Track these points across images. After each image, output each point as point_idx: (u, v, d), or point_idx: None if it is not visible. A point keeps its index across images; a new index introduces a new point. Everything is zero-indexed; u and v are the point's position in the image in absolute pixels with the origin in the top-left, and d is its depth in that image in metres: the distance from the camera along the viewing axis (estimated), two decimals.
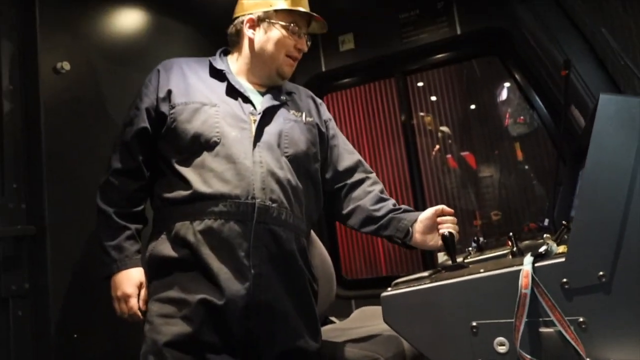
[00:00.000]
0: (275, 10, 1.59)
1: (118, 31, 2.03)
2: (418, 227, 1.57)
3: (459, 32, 2.62)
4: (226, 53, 1.72)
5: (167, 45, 2.26)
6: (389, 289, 1.31)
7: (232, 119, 1.51)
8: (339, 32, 2.86)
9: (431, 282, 1.26)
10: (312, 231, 1.85)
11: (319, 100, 1.83)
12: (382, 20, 2.77)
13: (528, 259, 1.12)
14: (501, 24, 2.53)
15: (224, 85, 1.58)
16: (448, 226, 1.53)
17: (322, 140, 1.71)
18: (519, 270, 1.10)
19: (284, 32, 1.58)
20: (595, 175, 1.07)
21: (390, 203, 1.68)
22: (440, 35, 2.66)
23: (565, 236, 1.31)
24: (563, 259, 1.09)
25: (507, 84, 3.58)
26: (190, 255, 1.41)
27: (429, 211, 1.57)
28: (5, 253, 1.52)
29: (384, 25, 2.78)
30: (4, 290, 1.50)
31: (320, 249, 2.18)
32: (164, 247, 1.45)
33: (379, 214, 1.64)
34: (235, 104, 1.55)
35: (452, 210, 1.57)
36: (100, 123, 1.84)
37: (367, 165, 1.80)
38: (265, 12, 1.59)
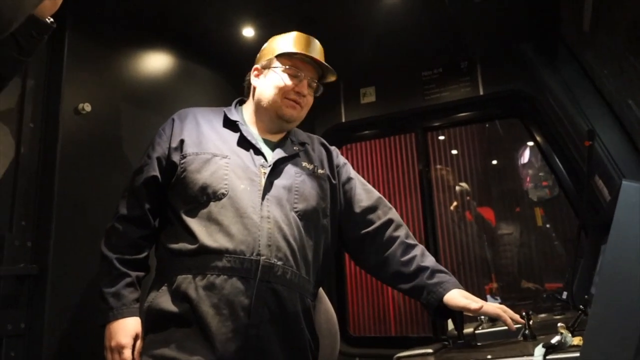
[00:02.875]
0: (277, 56, 1.60)
1: (142, 75, 2.07)
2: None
3: (481, 92, 2.60)
4: (242, 102, 1.74)
5: (190, 90, 2.30)
6: None
7: (242, 171, 1.49)
8: (361, 85, 2.88)
9: None
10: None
11: (331, 148, 1.80)
12: (404, 76, 2.78)
13: (539, 350, 1.05)
14: (525, 87, 2.50)
15: (236, 136, 1.57)
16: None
17: (333, 193, 1.67)
18: None
19: (282, 74, 1.58)
20: (615, 268, 1.01)
21: (418, 254, 1.61)
22: (463, 94, 2.65)
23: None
24: (577, 354, 1.01)
25: (530, 143, 3.53)
26: (189, 310, 1.37)
27: (460, 303, 1.44)
28: (6, 291, 1.51)
29: (406, 81, 2.79)
30: None
31: (326, 305, 2.11)
32: (163, 300, 1.40)
33: (409, 270, 1.57)
34: (246, 156, 1.53)
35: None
36: (116, 166, 1.85)
37: (386, 202, 1.73)
38: (269, 60, 1.62)
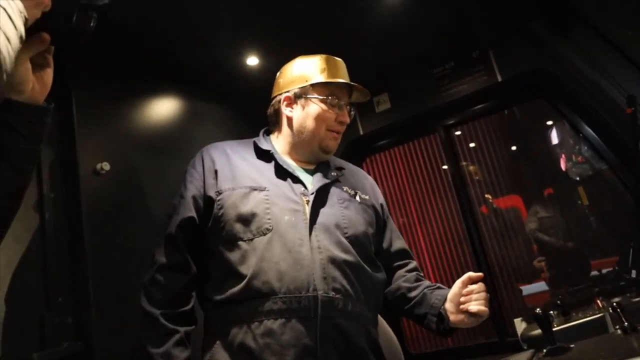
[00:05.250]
0: (312, 85, 1.50)
1: (153, 122, 2.00)
2: (449, 306, 1.37)
3: (499, 79, 2.50)
4: (268, 132, 1.64)
5: (203, 129, 2.23)
6: None
7: (284, 202, 1.38)
8: (374, 93, 2.79)
9: None
10: None
11: (373, 181, 1.72)
12: (416, 76, 2.69)
13: None
14: (543, 64, 2.40)
15: (271, 166, 1.47)
16: (476, 302, 1.30)
17: (378, 222, 1.57)
18: None
19: (322, 105, 1.49)
20: None
21: (427, 282, 1.53)
22: (480, 84, 2.55)
23: None
24: None
25: (549, 123, 3.41)
26: None
27: (455, 286, 1.36)
28: None
29: (419, 81, 2.69)
30: None
31: (383, 327, 1.99)
32: (221, 357, 1.29)
33: (415, 292, 1.49)
34: (285, 185, 1.43)
35: (480, 275, 1.34)
36: (146, 221, 1.75)
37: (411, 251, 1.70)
38: (302, 88, 1.51)
